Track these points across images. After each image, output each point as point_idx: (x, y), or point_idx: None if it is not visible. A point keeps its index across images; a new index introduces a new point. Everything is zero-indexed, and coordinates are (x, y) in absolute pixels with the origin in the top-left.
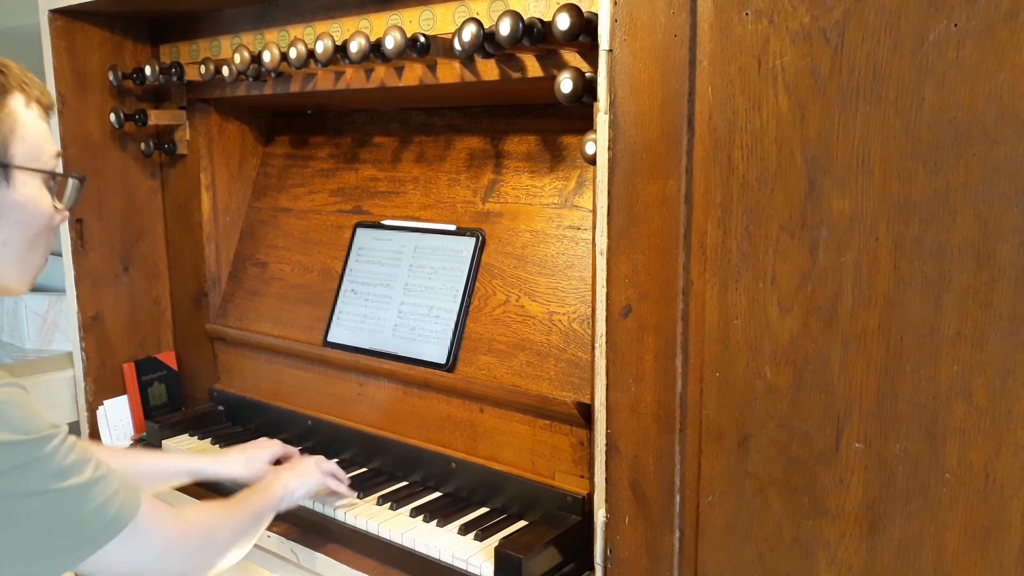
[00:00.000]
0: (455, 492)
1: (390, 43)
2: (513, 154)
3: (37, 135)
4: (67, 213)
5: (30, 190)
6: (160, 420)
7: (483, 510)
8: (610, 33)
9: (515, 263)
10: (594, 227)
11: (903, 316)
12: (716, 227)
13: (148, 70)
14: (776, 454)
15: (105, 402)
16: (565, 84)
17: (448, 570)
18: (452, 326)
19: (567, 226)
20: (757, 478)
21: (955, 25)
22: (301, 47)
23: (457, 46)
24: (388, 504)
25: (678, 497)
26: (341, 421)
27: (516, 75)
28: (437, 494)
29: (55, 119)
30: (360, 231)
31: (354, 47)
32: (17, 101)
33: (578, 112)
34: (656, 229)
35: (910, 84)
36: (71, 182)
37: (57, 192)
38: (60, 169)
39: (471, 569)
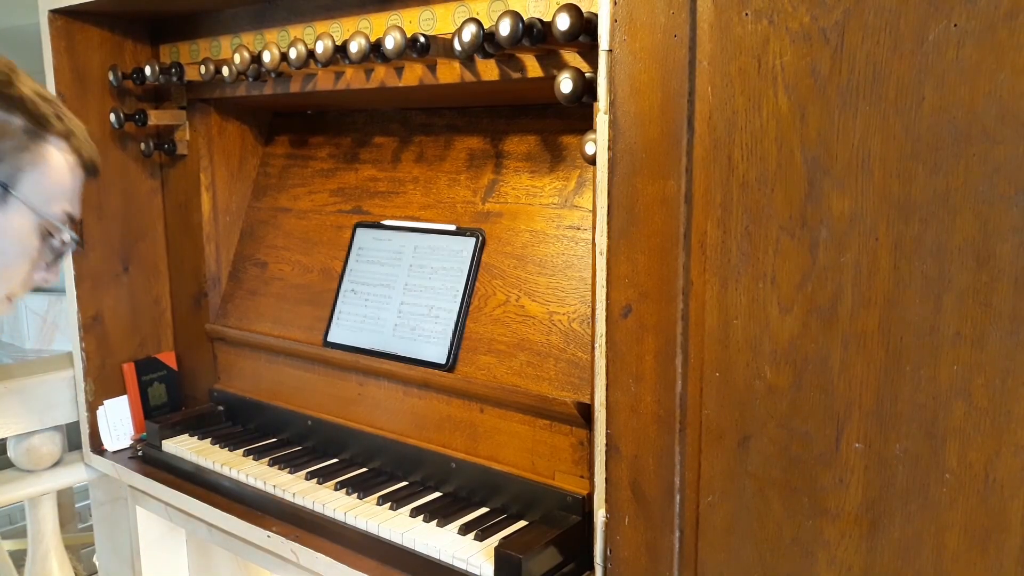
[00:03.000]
0: (455, 492)
1: (390, 43)
2: (513, 154)
3: (55, 183)
4: (50, 277)
5: (18, 225)
6: (160, 420)
7: (483, 510)
8: (610, 33)
9: (515, 263)
10: (594, 227)
11: (903, 316)
12: (716, 227)
13: (148, 70)
14: (776, 454)
15: (105, 402)
16: (565, 84)
17: (448, 570)
18: (452, 326)
19: (567, 226)
20: (757, 478)
21: (955, 25)
22: (301, 47)
23: (457, 46)
24: (388, 504)
25: (678, 497)
26: (341, 421)
27: (516, 75)
28: (437, 494)
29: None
30: (360, 231)
31: (354, 47)
32: (57, 145)
33: (578, 112)
34: (656, 229)
35: (910, 84)
36: (68, 245)
37: (52, 253)
38: (66, 233)
39: (471, 569)
